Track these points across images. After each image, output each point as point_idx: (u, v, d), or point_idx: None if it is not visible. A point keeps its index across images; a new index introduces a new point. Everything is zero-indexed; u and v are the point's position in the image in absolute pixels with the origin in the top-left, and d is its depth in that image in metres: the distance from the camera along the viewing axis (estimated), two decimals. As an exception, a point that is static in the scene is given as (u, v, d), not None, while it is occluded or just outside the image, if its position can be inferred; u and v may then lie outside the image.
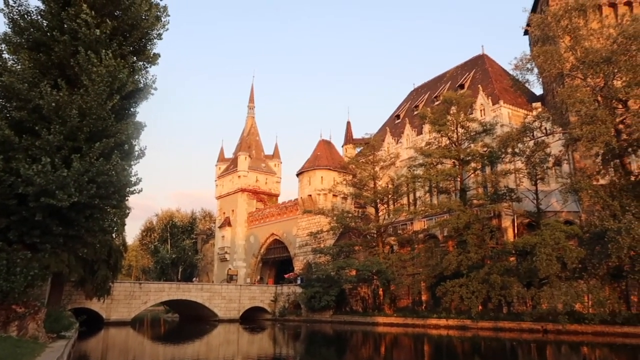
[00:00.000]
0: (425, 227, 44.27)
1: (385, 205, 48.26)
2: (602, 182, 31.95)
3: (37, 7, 18.02)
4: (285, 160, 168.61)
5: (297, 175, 60.22)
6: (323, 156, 59.13)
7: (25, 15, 17.66)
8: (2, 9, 17.05)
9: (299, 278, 52.42)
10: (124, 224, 30.65)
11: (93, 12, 16.61)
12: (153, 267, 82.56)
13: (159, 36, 19.37)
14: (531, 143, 34.29)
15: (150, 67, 19.99)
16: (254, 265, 67.76)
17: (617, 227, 25.72)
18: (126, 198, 20.48)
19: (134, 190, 18.98)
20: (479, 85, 47.53)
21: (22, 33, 17.63)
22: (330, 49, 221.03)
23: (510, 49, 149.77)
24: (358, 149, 57.65)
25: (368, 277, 42.59)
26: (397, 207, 46.40)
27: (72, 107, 15.81)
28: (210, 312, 47.22)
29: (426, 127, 47.10)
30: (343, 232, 50.39)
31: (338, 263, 43.33)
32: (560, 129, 34.74)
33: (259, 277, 66.56)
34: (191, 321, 49.87)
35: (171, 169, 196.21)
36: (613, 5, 43.45)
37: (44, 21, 17.88)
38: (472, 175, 40.21)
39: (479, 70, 53.34)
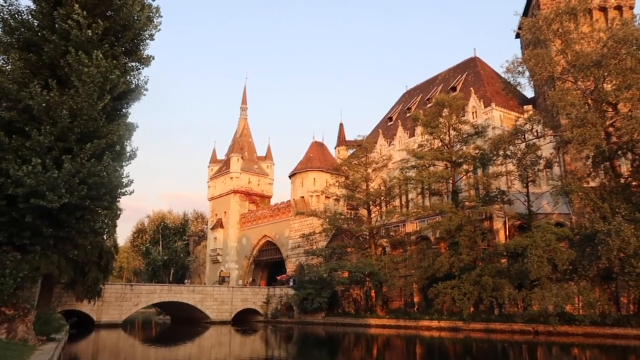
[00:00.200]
0: (418, 229, 44.39)
1: (378, 207, 48.35)
2: (592, 184, 32.23)
3: (28, 6, 17.89)
4: (278, 162, 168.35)
5: (290, 176, 60.18)
6: (316, 158, 59.16)
7: (16, 15, 17.52)
8: (-7, 8, 16.92)
9: (291, 280, 52.33)
10: (115, 226, 30.54)
11: (84, 12, 16.50)
12: (144, 268, 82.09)
13: (151, 37, 19.29)
14: (522, 145, 34.53)
15: (143, 68, 19.89)
16: (246, 267, 67.58)
17: (607, 229, 25.94)
18: (117, 199, 20.38)
19: (126, 191, 18.88)
20: (471, 88, 47.81)
21: (12, 33, 17.48)
22: (323, 50, 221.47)
23: (502, 52, 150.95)
24: (351, 151, 57.69)
25: (360, 279, 42.62)
26: (390, 209, 46.51)
27: (62, 108, 15.70)
28: (202, 314, 47.01)
29: (418, 129, 47.29)
30: (335, 234, 50.41)
31: (330, 265, 43.35)
32: (551, 131, 35.00)
33: (251, 279, 66.38)
34: (183, 323, 49.61)
35: (163, 170, 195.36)
36: (603, 10, 43.91)
37: (35, 21, 17.74)
38: (464, 178, 40.40)
39: (471, 73, 53.65)
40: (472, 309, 33.96)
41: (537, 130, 34.89)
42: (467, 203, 38.48)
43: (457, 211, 36.31)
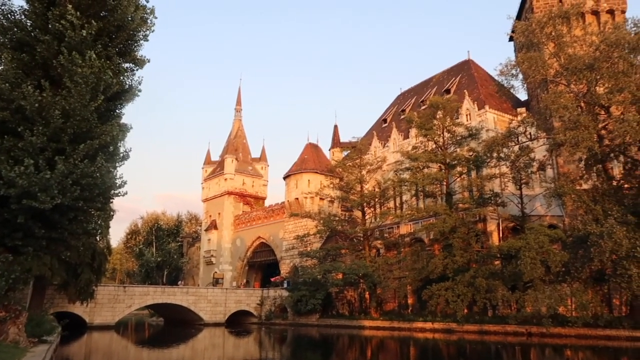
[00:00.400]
0: (412, 230, 44.47)
1: (372, 209, 48.40)
2: (585, 186, 32.43)
3: (21, 6, 17.81)
4: (272, 164, 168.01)
5: (284, 178, 60.14)
6: (310, 159, 59.15)
7: (9, 15, 17.44)
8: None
9: (285, 281, 52.26)
10: (108, 227, 30.34)
11: (78, 13, 16.44)
12: (138, 270, 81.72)
13: (145, 37, 19.24)
14: (516, 148, 34.69)
15: (137, 69, 19.85)
16: (240, 269, 67.41)
17: (600, 231, 26.09)
18: (111, 200, 20.31)
19: (119, 192, 18.83)
20: (465, 90, 48.00)
21: (5, 33, 17.40)
22: (318, 52, 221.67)
23: (495, 55, 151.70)
24: (345, 153, 57.69)
25: (354, 281, 42.63)
26: (384, 211, 46.57)
27: (55, 108, 15.63)
28: (196, 316, 46.83)
29: (413, 131, 47.40)
30: (330, 236, 50.40)
31: (324, 266, 43.33)
32: (545, 134, 35.19)
33: (245, 281, 66.23)
34: (176, 325, 49.40)
35: (157, 171, 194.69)
36: (596, 14, 44.24)
37: (28, 21, 17.66)
38: (458, 180, 40.53)
39: (465, 76, 53.85)
40: (465, 310, 34.05)
41: (530, 133, 35.07)
42: (461, 205, 38.60)
43: (451, 213, 36.42)
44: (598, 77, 29.92)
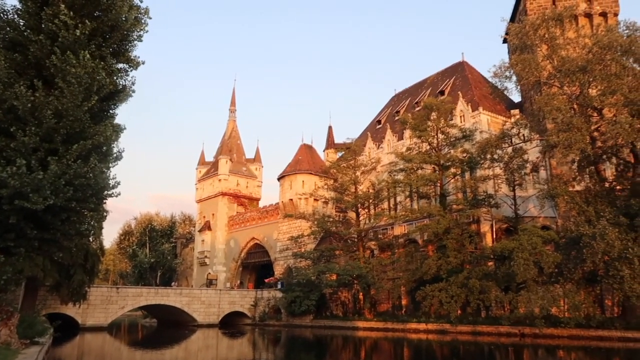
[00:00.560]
0: (406, 231, 44.53)
1: (366, 210, 48.44)
2: (577, 188, 32.62)
3: (14, 6, 17.69)
4: (267, 164, 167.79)
5: (279, 179, 60.08)
6: (304, 160, 59.13)
7: (2, 14, 17.33)
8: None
9: (279, 282, 52.18)
10: (101, 228, 30.15)
11: (72, 13, 16.36)
12: (131, 271, 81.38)
13: (139, 38, 19.17)
14: (509, 149, 34.84)
15: (131, 70, 19.78)
16: (234, 270, 67.26)
17: (592, 232, 26.24)
18: (104, 201, 20.21)
19: (112, 193, 18.75)
20: (459, 92, 48.18)
21: (-2, 32, 17.29)
22: (312, 54, 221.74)
23: (489, 57, 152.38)
24: (339, 154, 57.79)
25: (348, 282, 42.63)
26: (378, 212, 46.61)
27: (48, 108, 15.54)
28: (189, 317, 46.66)
29: (407, 133, 47.52)
30: (324, 237, 50.38)
31: (319, 267, 43.31)
32: (538, 135, 35.38)
33: (239, 282, 66.07)
34: (170, 326, 49.19)
35: (150, 172, 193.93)
36: (589, 16, 44.55)
37: (21, 20, 17.55)
38: (452, 181, 40.66)
39: (459, 77, 54.05)
40: (459, 311, 34.14)
41: (523, 135, 35.24)
42: (454, 206, 38.71)
43: (444, 214, 36.52)
44: (591, 79, 30.12)
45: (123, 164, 58.29)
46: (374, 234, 47.17)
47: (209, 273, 66.39)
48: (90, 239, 32.92)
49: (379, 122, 62.47)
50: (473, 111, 45.01)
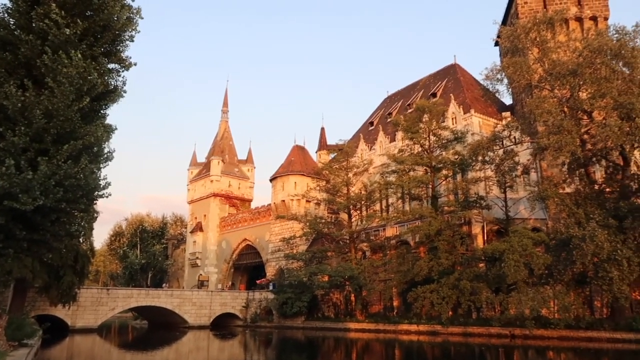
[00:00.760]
0: (397, 233, 44.64)
1: (358, 212, 48.49)
2: (567, 190, 32.87)
3: (4, 5, 17.54)
4: (259, 166, 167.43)
5: (271, 180, 60.00)
6: (297, 162, 59.10)
7: (-9, 13, 17.16)
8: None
9: (271, 284, 52.06)
10: (91, 229, 29.95)
11: (63, 12, 16.24)
12: (121, 272, 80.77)
13: (131, 38, 19.08)
14: (500, 152, 35.04)
15: (123, 71, 19.67)
16: (226, 271, 67.03)
17: (582, 234, 26.44)
18: (94, 202, 20.07)
19: (103, 194, 18.63)
20: (451, 94, 48.42)
21: (-13, 31, 17.11)
22: (305, 55, 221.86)
23: (481, 60, 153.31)
24: (332, 155, 57.86)
25: (340, 283, 42.63)
26: (370, 214, 46.67)
27: (38, 108, 15.41)
28: (180, 319, 46.42)
29: (399, 135, 47.65)
30: (316, 238, 50.37)
31: (310, 269, 43.26)
32: (529, 138, 35.62)
33: (230, 283, 65.85)
34: (160, 328, 48.90)
35: (142, 172, 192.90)
36: (579, 20, 44.97)
37: (11, 19, 17.39)
38: (444, 183, 40.82)
39: (451, 80, 54.32)
40: (450, 312, 34.26)
41: (514, 137, 35.46)
42: (446, 208, 38.86)
43: (436, 216, 36.65)
44: (581, 82, 30.40)
45: (114, 165, 58.01)
46: (366, 235, 47.23)
47: (201, 274, 66.13)
48: (81, 240, 32.65)
49: (371, 123, 62.60)
50: (465, 113, 45.24)
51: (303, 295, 43.98)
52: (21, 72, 16.96)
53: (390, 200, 48.26)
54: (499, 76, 35.14)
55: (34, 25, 16.40)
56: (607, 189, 31.76)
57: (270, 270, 57.19)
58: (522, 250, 29.68)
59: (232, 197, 71.13)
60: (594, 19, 44.76)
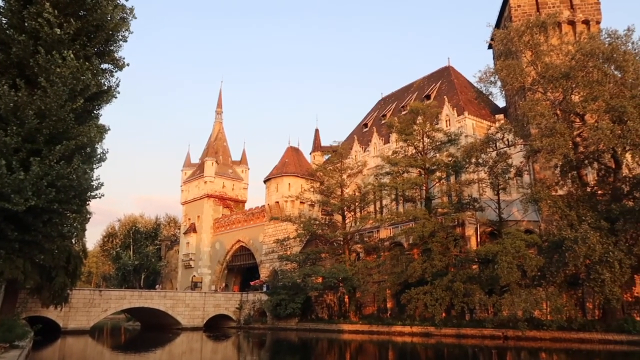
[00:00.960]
0: (391, 234, 44.68)
1: (352, 213, 48.53)
2: (560, 192, 33.05)
3: (-4, 3, 17.43)
4: (253, 167, 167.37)
5: (265, 181, 59.92)
6: (291, 163, 59.06)
7: (-17, 12, 17.04)
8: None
9: (264, 285, 51.99)
10: (84, 229, 29.79)
11: (56, 12, 16.17)
12: (114, 274, 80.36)
13: (124, 39, 19.02)
14: (494, 154, 35.19)
15: (116, 71, 19.60)
16: (219, 272, 66.84)
17: (574, 236, 26.59)
18: (87, 203, 19.96)
19: (96, 194, 18.54)
20: (445, 96, 48.58)
21: (-22, 30, 17.00)
22: (299, 57, 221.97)
23: (475, 62, 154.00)
24: (326, 157, 57.83)
25: (334, 285, 42.62)
26: (364, 215, 46.71)
27: (30, 108, 15.32)
28: (173, 320, 46.23)
29: (393, 136, 47.74)
30: (310, 240, 50.34)
31: (304, 270, 43.22)
32: (522, 140, 35.81)
33: (224, 284, 65.66)
34: (153, 329, 48.68)
35: (135, 173, 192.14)
36: (572, 23, 45.26)
37: (4, 19, 17.29)
38: (437, 184, 40.94)
39: (445, 82, 54.51)
40: (443, 314, 34.34)
41: (508, 139, 35.62)
42: (440, 210, 38.96)
43: (430, 218, 36.74)
44: (573, 85, 30.61)
45: (107, 165, 57.78)
46: (360, 236, 47.26)
47: (194, 276, 65.90)
48: (73, 240, 32.47)
49: (365, 125, 62.69)
50: (458, 115, 45.42)
51: (297, 296, 43.93)
52: (13, 72, 16.86)
53: (384, 202, 48.32)
54: (492, 79, 35.32)
55: (26, 24, 16.30)
56: (599, 192, 31.97)
57: (264, 272, 57.10)
58: (515, 252, 29.79)
59: (226, 198, 70.99)
60: (586, 22, 45.08)
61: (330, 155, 52.79)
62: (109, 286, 79.47)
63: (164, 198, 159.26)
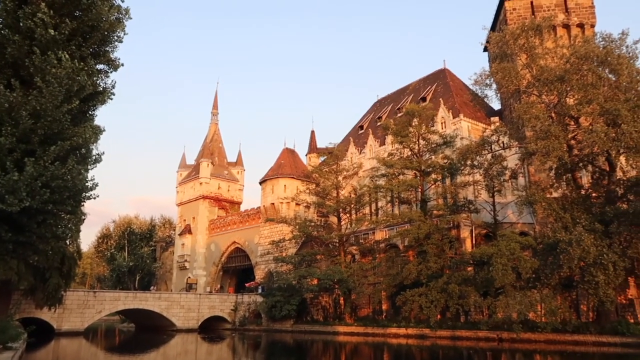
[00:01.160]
0: (387, 236, 44.74)
1: (348, 215, 48.56)
2: (555, 195, 33.19)
3: (-9, 3, 17.34)
4: (249, 168, 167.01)
5: (260, 183, 59.86)
6: (287, 164, 59.04)
7: (-22, 12, 16.96)
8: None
9: (260, 287, 51.91)
10: (78, 230, 29.68)
11: (51, 12, 16.11)
12: (109, 275, 79.99)
13: (119, 39, 18.98)
14: (489, 156, 35.29)
15: (111, 72, 19.56)
16: (215, 274, 66.68)
17: (569, 238, 26.69)
18: (82, 203, 19.89)
19: (90, 195, 18.48)
20: (440, 99, 48.69)
21: (-27, 30, 16.91)
22: (295, 58, 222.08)
23: (470, 64, 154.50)
24: (322, 158, 57.86)
25: (329, 286, 42.62)
26: (359, 217, 46.76)
27: (25, 109, 15.26)
28: (168, 322, 46.08)
29: (389, 138, 47.80)
30: (305, 241, 50.32)
31: (300, 272, 43.20)
32: (517, 143, 35.94)
33: (219, 286, 65.53)
34: (148, 331, 48.51)
35: (130, 174, 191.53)
36: (567, 27, 45.51)
37: (-1, 18, 17.22)
38: (433, 187, 41.02)
39: (441, 84, 54.64)
40: (439, 316, 34.38)
41: (503, 142, 35.75)
42: (435, 212, 39.04)
43: (425, 219, 36.80)
44: (568, 88, 30.77)
45: (102, 166, 57.57)
46: (355, 238, 47.29)
47: (189, 277, 65.72)
48: (67, 242, 32.32)
49: (361, 127, 62.73)
50: (454, 118, 45.54)
51: (292, 298, 43.88)
52: (8, 72, 16.79)
53: (379, 204, 48.35)
54: (487, 81, 35.46)
55: (21, 24, 16.24)
56: (594, 194, 32.12)
57: (260, 273, 57.00)
58: (510, 254, 29.87)
59: (222, 200, 70.89)
60: (581, 26, 45.33)
61: (326, 157, 52.83)
62: (103, 287, 79.14)
63: (159, 199, 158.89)
